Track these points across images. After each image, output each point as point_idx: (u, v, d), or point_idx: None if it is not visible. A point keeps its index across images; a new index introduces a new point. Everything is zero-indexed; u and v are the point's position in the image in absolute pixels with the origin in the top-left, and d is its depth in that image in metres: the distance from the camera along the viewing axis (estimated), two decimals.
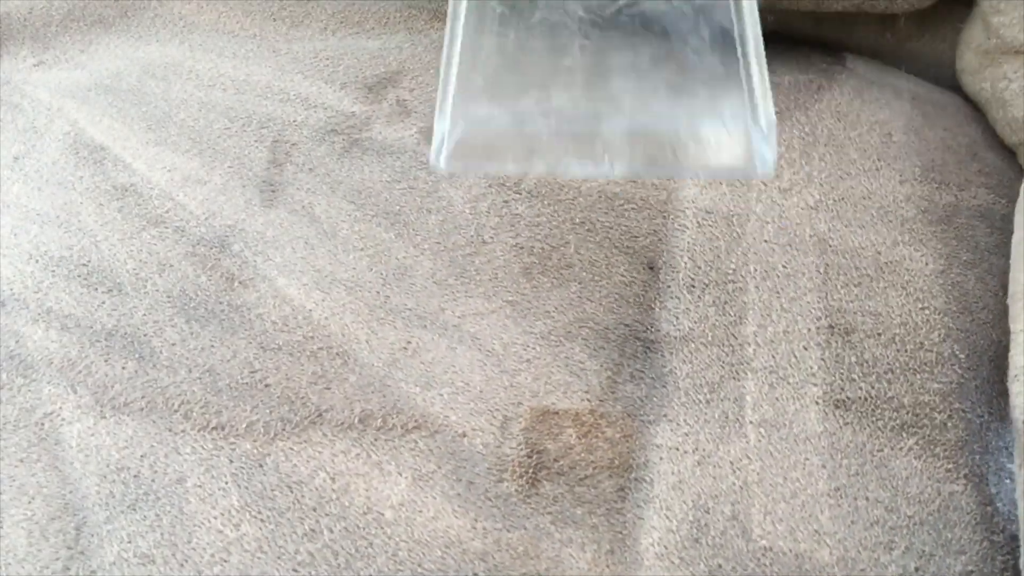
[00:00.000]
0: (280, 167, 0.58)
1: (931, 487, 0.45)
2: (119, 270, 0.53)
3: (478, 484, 0.45)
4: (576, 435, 0.46)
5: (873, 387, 0.48)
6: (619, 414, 0.47)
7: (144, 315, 0.51)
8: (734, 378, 0.48)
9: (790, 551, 0.43)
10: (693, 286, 0.52)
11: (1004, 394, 0.47)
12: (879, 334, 0.50)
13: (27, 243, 0.54)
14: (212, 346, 0.49)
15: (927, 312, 0.51)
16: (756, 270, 0.52)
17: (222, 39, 0.67)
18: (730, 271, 0.52)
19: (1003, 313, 0.51)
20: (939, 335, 0.50)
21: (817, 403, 0.47)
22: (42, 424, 0.47)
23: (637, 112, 0.35)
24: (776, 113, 0.62)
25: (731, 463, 0.45)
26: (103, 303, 0.51)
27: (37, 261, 0.53)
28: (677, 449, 0.46)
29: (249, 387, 0.48)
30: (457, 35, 0.35)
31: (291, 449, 0.46)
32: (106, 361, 0.49)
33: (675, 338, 0.50)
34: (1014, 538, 0.44)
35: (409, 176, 0.57)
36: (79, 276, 0.52)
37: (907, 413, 0.47)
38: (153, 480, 0.45)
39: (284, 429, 0.46)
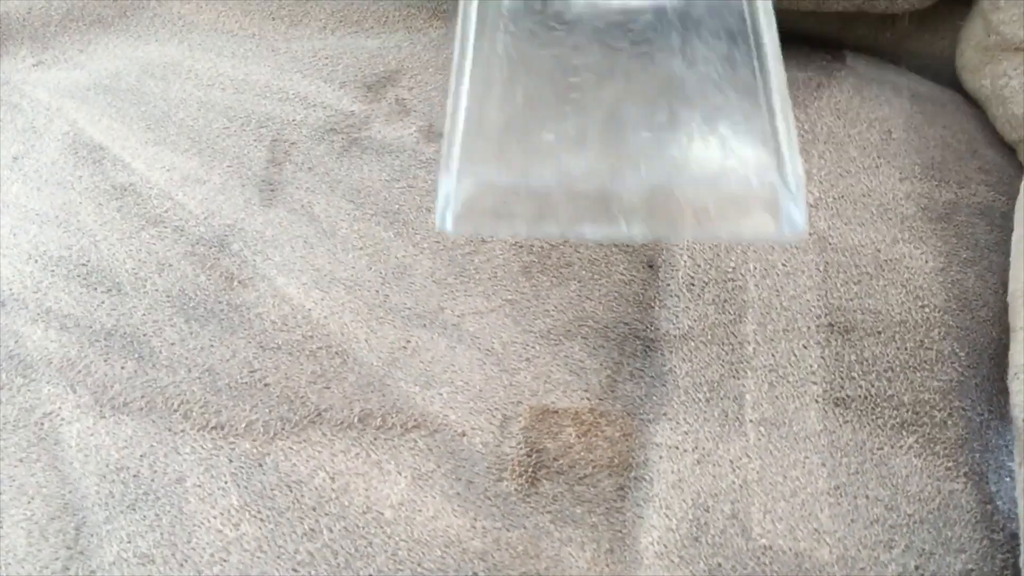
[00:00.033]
0: (279, 166, 0.58)
1: (931, 485, 0.45)
2: (118, 270, 0.53)
3: (478, 483, 0.45)
4: (576, 434, 0.46)
5: (873, 385, 0.48)
6: (619, 413, 0.47)
7: (143, 315, 0.51)
8: (734, 376, 0.48)
9: (790, 550, 0.43)
10: (692, 284, 0.52)
11: (1004, 392, 0.47)
12: (879, 332, 0.50)
13: (26, 243, 0.54)
14: (211, 346, 0.49)
15: (927, 310, 0.51)
16: (755, 268, 0.52)
17: (221, 38, 0.67)
18: (729, 269, 0.52)
19: (1003, 311, 0.51)
20: (939, 333, 0.50)
21: (817, 401, 0.47)
22: (42, 424, 0.47)
23: (654, 169, 0.33)
24: None
25: (731, 462, 0.45)
26: (102, 303, 0.51)
27: (36, 261, 0.53)
28: (677, 448, 0.46)
29: (248, 386, 0.48)
30: (463, 84, 0.33)
31: (290, 448, 0.46)
32: (105, 361, 0.49)
33: (675, 337, 0.50)
34: (1014, 536, 0.44)
35: (408, 175, 0.57)
36: (78, 276, 0.52)
37: (907, 411, 0.47)
38: (153, 480, 0.45)
39: (283, 428, 0.46)
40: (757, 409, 0.47)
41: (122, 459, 0.45)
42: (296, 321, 0.50)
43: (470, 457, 0.46)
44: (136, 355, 0.49)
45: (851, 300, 0.51)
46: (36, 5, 0.69)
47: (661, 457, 0.46)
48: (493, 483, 0.45)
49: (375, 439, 0.46)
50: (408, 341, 0.49)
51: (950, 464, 0.46)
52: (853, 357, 0.49)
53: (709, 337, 0.50)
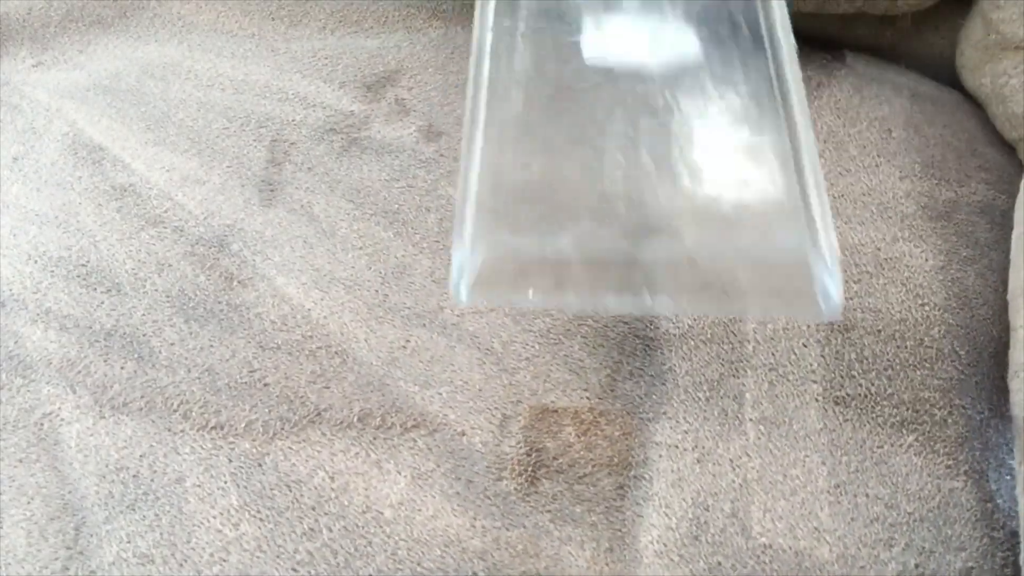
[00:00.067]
0: (279, 166, 0.58)
1: (931, 483, 0.45)
2: (118, 270, 0.53)
3: (477, 482, 0.45)
4: (575, 433, 0.46)
5: (873, 384, 0.48)
6: (618, 412, 0.47)
7: (143, 315, 0.51)
8: (734, 375, 0.48)
9: (790, 548, 0.43)
10: None
11: (1004, 390, 0.47)
12: (879, 330, 0.50)
13: (26, 243, 0.54)
14: (211, 346, 0.49)
15: (927, 308, 0.51)
16: None
17: (221, 39, 0.67)
18: None
19: (1003, 309, 0.51)
20: (939, 331, 0.50)
21: (817, 400, 0.47)
22: (41, 424, 0.47)
23: (679, 238, 0.31)
24: None
25: (731, 460, 0.45)
26: (102, 303, 0.51)
27: (36, 261, 0.53)
28: (676, 447, 0.46)
29: (248, 386, 0.48)
30: (476, 143, 0.31)
31: (290, 448, 0.46)
32: (105, 361, 0.49)
33: (674, 335, 0.50)
34: (1014, 534, 0.44)
35: (408, 175, 0.57)
36: (78, 276, 0.52)
37: (907, 409, 0.47)
38: (152, 480, 0.45)
39: (283, 428, 0.46)
40: (757, 408, 0.47)
41: (122, 459, 0.45)
42: (296, 321, 0.50)
43: (470, 456, 0.45)
44: (136, 355, 0.49)
45: (851, 299, 0.51)
46: (36, 6, 0.69)
47: (661, 456, 0.46)
48: (493, 482, 0.45)
49: (375, 439, 0.46)
50: (408, 341, 0.49)
51: (950, 462, 0.46)
52: (853, 355, 0.49)
53: (709, 336, 0.50)
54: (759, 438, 0.46)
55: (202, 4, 0.70)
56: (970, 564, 0.43)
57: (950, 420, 0.47)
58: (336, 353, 0.49)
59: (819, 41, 0.66)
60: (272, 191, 0.56)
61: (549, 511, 0.44)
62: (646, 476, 0.45)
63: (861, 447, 0.46)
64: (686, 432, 0.46)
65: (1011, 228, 0.53)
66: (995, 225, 0.56)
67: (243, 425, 0.46)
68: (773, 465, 0.45)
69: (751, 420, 0.47)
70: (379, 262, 0.53)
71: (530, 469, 0.45)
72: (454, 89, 0.62)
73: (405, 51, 0.65)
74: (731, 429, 0.46)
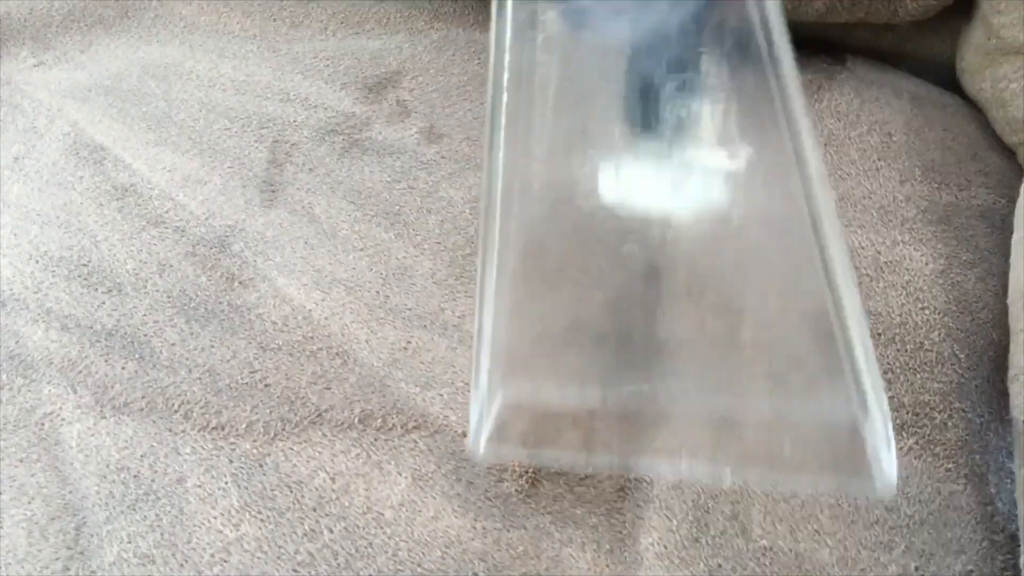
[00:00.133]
0: (280, 167, 0.58)
1: (931, 487, 0.45)
2: (119, 270, 0.53)
3: (478, 484, 0.45)
4: (576, 435, 0.46)
5: None
6: (619, 414, 0.47)
7: (144, 315, 0.51)
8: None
9: (790, 551, 0.43)
10: (692, 288, 0.52)
11: (1004, 394, 0.47)
12: (879, 334, 0.50)
13: (27, 243, 0.54)
14: (212, 346, 0.49)
15: (927, 312, 0.51)
16: None
17: (222, 40, 0.67)
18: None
19: (1003, 313, 0.51)
20: (939, 335, 0.50)
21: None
22: (42, 424, 0.47)
23: (716, 395, 0.28)
24: None
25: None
26: (103, 303, 0.51)
27: (37, 261, 0.53)
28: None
29: (249, 387, 0.48)
30: (490, 281, 0.27)
31: (291, 449, 0.46)
32: (106, 361, 0.49)
33: (674, 339, 0.50)
34: (1014, 538, 0.44)
35: (409, 176, 0.57)
36: (79, 276, 0.52)
37: (907, 413, 0.47)
38: (153, 480, 0.45)
39: (284, 429, 0.46)
40: None
41: (122, 459, 0.45)
42: (297, 322, 0.50)
43: (471, 458, 0.46)
44: (137, 355, 0.49)
45: None
46: (37, 6, 0.69)
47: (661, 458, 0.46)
48: (493, 484, 0.45)
49: (376, 440, 0.46)
50: (409, 342, 0.49)
51: (950, 466, 0.46)
52: None
53: (709, 338, 0.50)
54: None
55: (204, 5, 0.70)
56: (970, 567, 0.43)
57: (950, 423, 0.47)
58: (337, 354, 0.49)
59: (819, 45, 0.67)
60: (273, 192, 0.56)
61: (550, 513, 0.44)
62: (646, 479, 0.45)
63: None
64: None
65: (1011, 232, 0.54)
66: (995, 229, 0.56)
67: (244, 426, 0.46)
68: None
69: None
70: (380, 263, 0.53)
71: (531, 471, 0.45)
72: (456, 91, 0.62)
73: (407, 52, 0.65)
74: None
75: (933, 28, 0.67)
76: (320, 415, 0.47)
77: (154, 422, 0.47)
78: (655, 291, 0.29)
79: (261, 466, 0.45)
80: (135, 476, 0.45)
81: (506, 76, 0.28)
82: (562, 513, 0.44)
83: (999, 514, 0.45)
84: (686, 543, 0.43)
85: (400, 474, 0.45)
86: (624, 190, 0.29)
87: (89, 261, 0.53)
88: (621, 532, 0.44)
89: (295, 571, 0.42)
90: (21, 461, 0.46)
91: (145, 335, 0.50)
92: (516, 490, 0.45)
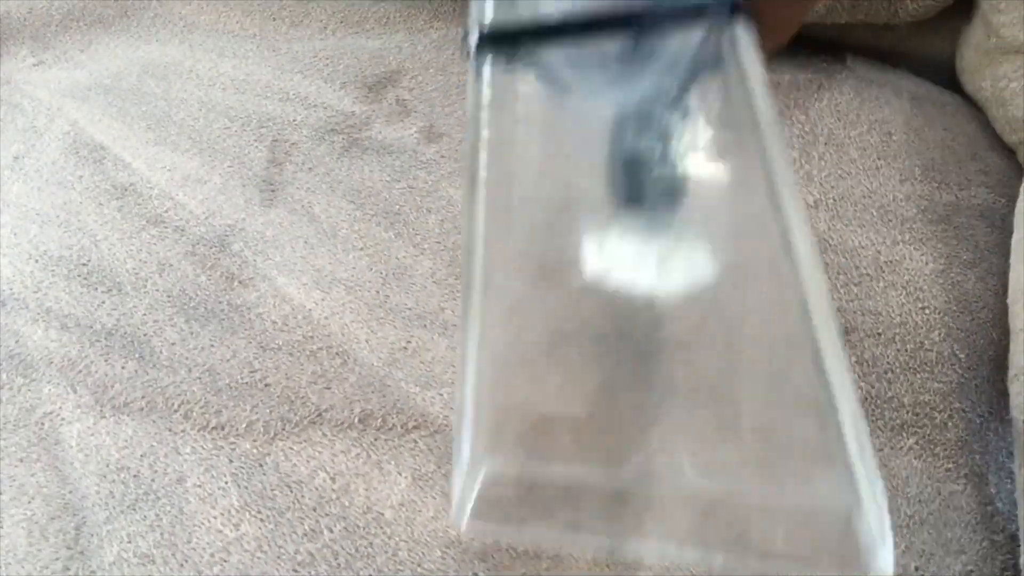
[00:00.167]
0: (280, 166, 0.58)
1: (931, 487, 0.45)
2: (119, 270, 0.53)
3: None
4: (571, 438, 0.46)
5: (873, 387, 0.48)
6: (615, 417, 0.47)
7: (144, 315, 0.51)
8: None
9: None
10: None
11: (1004, 394, 0.47)
12: (879, 334, 0.50)
13: (27, 243, 0.54)
14: (212, 346, 0.49)
15: (927, 312, 0.51)
16: None
17: (222, 39, 0.67)
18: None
19: (1003, 313, 0.51)
20: (939, 335, 0.50)
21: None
22: (42, 424, 0.47)
23: (706, 475, 0.27)
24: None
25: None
26: (103, 303, 0.51)
27: (37, 261, 0.53)
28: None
29: (249, 387, 0.48)
30: (471, 353, 0.27)
31: (291, 449, 0.46)
32: (106, 361, 0.49)
33: (672, 341, 0.50)
34: (1014, 538, 0.44)
35: (409, 175, 0.57)
36: (79, 276, 0.52)
37: (907, 412, 0.47)
38: (153, 480, 0.45)
39: (284, 429, 0.46)
40: None
41: (122, 459, 0.45)
42: (297, 321, 0.50)
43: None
44: (137, 355, 0.49)
45: (851, 302, 0.51)
46: (37, 5, 0.69)
47: (660, 460, 0.46)
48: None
49: (375, 439, 0.46)
50: (408, 341, 0.49)
51: (950, 465, 0.46)
52: (853, 358, 0.49)
53: (708, 340, 0.50)
54: None
55: (204, 4, 0.70)
56: (970, 567, 0.43)
57: (950, 423, 0.47)
58: (337, 354, 0.49)
59: (820, 44, 0.67)
60: (273, 191, 0.56)
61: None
62: (646, 481, 0.45)
63: None
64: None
65: (1011, 232, 0.54)
66: (995, 229, 0.56)
67: (244, 425, 0.46)
68: None
69: None
70: (380, 263, 0.53)
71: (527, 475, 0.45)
72: (455, 90, 0.62)
73: (406, 52, 0.65)
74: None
75: (933, 27, 0.67)
76: (320, 415, 0.47)
77: (154, 422, 0.47)
78: (643, 368, 0.28)
79: (261, 466, 0.45)
80: (135, 476, 0.45)
81: (484, 150, 0.27)
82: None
83: (999, 514, 0.45)
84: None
85: (400, 474, 0.45)
86: (609, 265, 0.28)
87: (89, 260, 0.53)
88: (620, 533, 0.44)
89: (295, 571, 0.42)
90: (21, 461, 0.46)
91: (145, 334, 0.50)
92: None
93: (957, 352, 0.50)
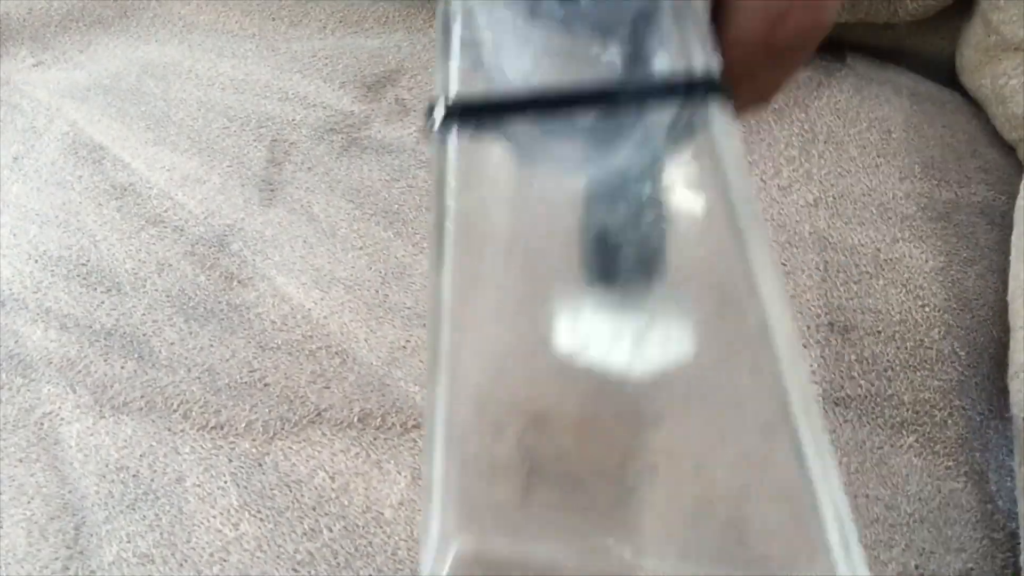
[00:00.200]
0: (279, 166, 0.58)
1: (931, 484, 0.45)
2: (118, 270, 0.53)
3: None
4: (571, 439, 0.46)
5: (873, 384, 0.48)
6: (615, 417, 0.47)
7: (143, 315, 0.51)
8: None
9: None
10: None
11: (1004, 391, 0.47)
12: (879, 331, 0.50)
13: (26, 243, 0.54)
14: (211, 345, 0.49)
15: (927, 309, 0.51)
16: None
17: (221, 39, 0.67)
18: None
19: (1003, 310, 0.51)
20: (939, 332, 0.50)
21: (816, 401, 0.47)
22: (41, 424, 0.47)
23: (681, 559, 0.27)
24: (775, 111, 0.61)
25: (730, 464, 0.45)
26: (102, 303, 0.51)
27: (36, 261, 0.53)
28: (675, 450, 0.46)
29: (248, 386, 0.48)
30: (439, 432, 0.26)
31: (290, 448, 0.46)
32: (105, 361, 0.49)
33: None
34: (1014, 535, 0.44)
35: (408, 175, 0.57)
36: (78, 276, 0.52)
37: (907, 410, 0.47)
38: (152, 480, 0.45)
39: (283, 428, 0.46)
40: None
41: (122, 459, 0.45)
42: (296, 321, 0.50)
43: None
44: (136, 355, 0.49)
45: (851, 299, 0.51)
46: (36, 5, 0.69)
47: (659, 460, 0.46)
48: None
49: (375, 439, 0.46)
50: (408, 340, 0.49)
51: (950, 463, 0.46)
52: (853, 356, 0.49)
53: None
54: None
55: (203, 4, 0.70)
56: (970, 565, 0.43)
57: (950, 421, 0.47)
58: (336, 353, 0.49)
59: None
60: (272, 191, 0.56)
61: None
62: (645, 480, 0.45)
63: (861, 448, 0.46)
64: (684, 436, 0.46)
65: (1011, 229, 0.53)
66: (995, 226, 0.56)
67: (243, 425, 0.46)
68: None
69: None
70: (379, 262, 0.53)
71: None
72: None
73: (405, 51, 0.65)
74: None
75: (933, 25, 0.67)
76: (319, 414, 0.47)
77: (153, 421, 0.46)
78: (618, 450, 0.28)
79: (260, 465, 0.45)
80: (134, 476, 0.45)
81: (450, 222, 0.26)
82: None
83: (999, 512, 0.45)
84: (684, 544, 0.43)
85: (399, 473, 0.45)
86: (581, 343, 0.28)
87: (88, 261, 0.53)
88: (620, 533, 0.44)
89: (294, 570, 0.42)
90: (21, 461, 0.46)
91: (144, 334, 0.50)
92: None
93: (957, 350, 0.50)
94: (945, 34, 0.67)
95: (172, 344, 0.49)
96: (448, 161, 0.26)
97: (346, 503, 0.44)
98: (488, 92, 0.26)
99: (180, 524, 0.43)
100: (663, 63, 0.26)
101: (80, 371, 0.48)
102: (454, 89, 0.26)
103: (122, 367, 0.48)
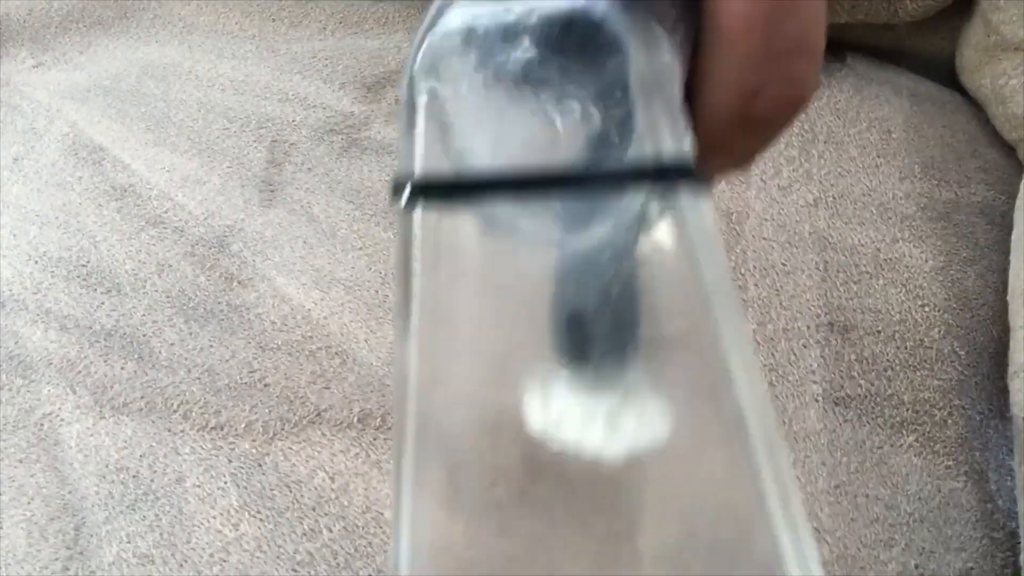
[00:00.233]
0: (279, 167, 0.58)
1: (931, 484, 0.45)
2: (118, 270, 0.53)
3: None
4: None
5: (872, 384, 0.48)
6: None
7: (143, 315, 0.51)
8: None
9: None
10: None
11: (1004, 391, 0.47)
12: (878, 331, 0.50)
13: (27, 244, 0.54)
14: (211, 346, 0.49)
15: (927, 309, 0.51)
16: (755, 267, 0.52)
17: (221, 40, 0.67)
18: (729, 269, 0.52)
19: (1003, 310, 0.51)
20: (939, 332, 0.50)
21: (816, 401, 0.47)
22: (42, 424, 0.47)
23: None
24: None
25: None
26: (102, 303, 0.51)
27: (36, 262, 0.53)
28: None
29: (248, 387, 0.48)
30: (406, 521, 0.24)
31: (290, 448, 0.46)
32: (105, 361, 0.49)
33: (673, 337, 0.50)
34: (1014, 535, 0.44)
35: None
36: (78, 276, 0.52)
37: (907, 410, 0.47)
38: (152, 480, 0.45)
39: (283, 429, 0.46)
40: None
41: (122, 459, 0.45)
42: (296, 321, 0.50)
43: None
44: (136, 355, 0.49)
45: (851, 299, 0.51)
46: (37, 6, 0.69)
47: (659, 459, 0.46)
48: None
49: (375, 439, 0.46)
50: None
51: (950, 463, 0.46)
52: (853, 356, 0.49)
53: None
54: None
55: (203, 5, 0.70)
56: (970, 564, 0.43)
57: (950, 421, 0.47)
58: (336, 353, 0.49)
59: None
60: (272, 192, 0.56)
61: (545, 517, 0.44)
62: (645, 480, 0.45)
63: (861, 448, 0.46)
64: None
65: (1011, 229, 0.53)
66: (995, 226, 0.56)
67: (243, 425, 0.46)
68: None
69: None
70: (379, 262, 0.53)
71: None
72: None
73: (405, 52, 0.65)
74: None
75: (933, 25, 0.67)
76: (319, 414, 0.47)
77: (153, 422, 0.47)
78: (592, 538, 0.27)
79: (260, 466, 0.45)
80: (134, 476, 0.45)
81: (416, 302, 0.26)
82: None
83: (999, 511, 0.45)
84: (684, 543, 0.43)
85: None
86: (553, 426, 0.27)
87: (88, 261, 0.53)
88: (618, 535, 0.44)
89: (294, 571, 0.42)
90: (21, 461, 0.46)
91: (144, 335, 0.50)
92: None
93: (957, 349, 0.50)
94: (945, 34, 0.67)
95: (172, 345, 0.49)
96: (414, 239, 0.25)
97: (346, 503, 0.44)
98: (455, 169, 0.25)
99: (180, 524, 0.43)
100: (632, 143, 0.25)
101: (80, 372, 0.48)
102: (420, 166, 0.25)
103: (122, 368, 0.48)
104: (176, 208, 0.55)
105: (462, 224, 0.25)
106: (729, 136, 0.25)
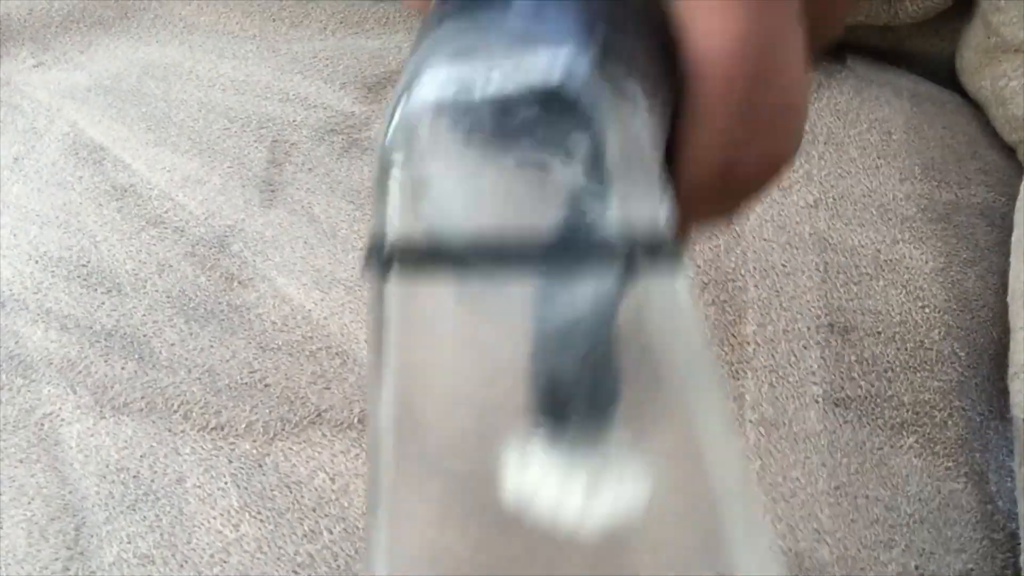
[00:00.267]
0: (279, 167, 0.58)
1: (931, 485, 0.45)
2: (118, 270, 0.53)
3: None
4: None
5: (873, 385, 0.48)
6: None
7: (144, 315, 0.51)
8: (733, 377, 0.48)
9: (790, 550, 0.43)
10: (692, 285, 0.52)
11: (1004, 392, 0.47)
12: (879, 332, 0.50)
13: (27, 244, 0.54)
14: (211, 346, 0.49)
15: (927, 310, 0.51)
16: (755, 269, 0.52)
17: (222, 40, 0.67)
18: (729, 270, 0.52)
19: (1003, 311, 0.51)
20: (939, 333, 0.50)
21: (817, 402, 0.47)
22: (42, 424, 0.47)
23: None
24: None
25: None
26: (103, 303, 0.51)
27: (37, 262, 0.53)
28: (675, 450, 0.46)
29: (248, 387, 0.48)
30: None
31: (291, 449, 0.46)
32: (106, 361, 0.49)
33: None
34: (1014, 536, 0.44)
35: None
36: (79, 276, 0.52)
37: (907, 411, 0.47)
38: (153, 480, 0.45)
39: (283, 429, 0.46)
40: (757, 410, 0.47)
41: (122, 460, 0.45)
42: (296, 322, 0.50)
43: None
44: (136, 356, 0.49)
45: (851, 300, 0.51)
46: (37, 6, 0.69)
47: (659, 459, 0.46)
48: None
49: None
50: None
51: (950, 464, 0.46)
52: (853, 357, 0.49)
53: (708, 338, 0.50)
54: (759, 440, 0.46)
55: (203, 5, 0.70)
56: (970, 566, 0.43)
57: (950, 422, 0.47)
58: (337, 354, 0.49)
59: None
60: (273, 192, 0.56)
61: None
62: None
63: (861, 449, 0.46)
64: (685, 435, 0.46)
65: (1011, 230, 0.54)
66: (995, 227, 0.56)
67: (244, 426, 0.46)
68: (773, 467, 0.45)
69: (751, 422, 0.47)
70: None
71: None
72: None
73: (406, 52, 0.65)
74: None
75: (933, 27, 0.67)
76: (320, 415, 0.47)
77: (153, 422, 0.47)
78: None
79: (260, 466, 0.45)
80: (135, 476, 0.45)
81: (389, 368, 0.25)
82: None
83: (999, 512, 0.45)
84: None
85: None
86: (530, 497, 0.26)
87: (88, 261, 0.53)
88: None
89: (295, 572, 0.42)
90: (21, 461, 0.46)
91: (144, 335, 0.50)
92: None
93: (957, 350, 0.50)
94: (945, 36, 0.67)
95: (172, 345, 0.49)
96: (387, 305, 0.25)
97: (346, 504, 0.44)
98: (429, 236, 0.25)
99: (180, 525, 0.43)
100: (607, 213, 0.25)
101: (80, 372, 0.48)
102: (394, 231, 0.25)
103: (122, 368, 0.48)
104: (177, 208, 0.55)
105: (438, 291, 0.25)
106: (710, 199, 0.25)
